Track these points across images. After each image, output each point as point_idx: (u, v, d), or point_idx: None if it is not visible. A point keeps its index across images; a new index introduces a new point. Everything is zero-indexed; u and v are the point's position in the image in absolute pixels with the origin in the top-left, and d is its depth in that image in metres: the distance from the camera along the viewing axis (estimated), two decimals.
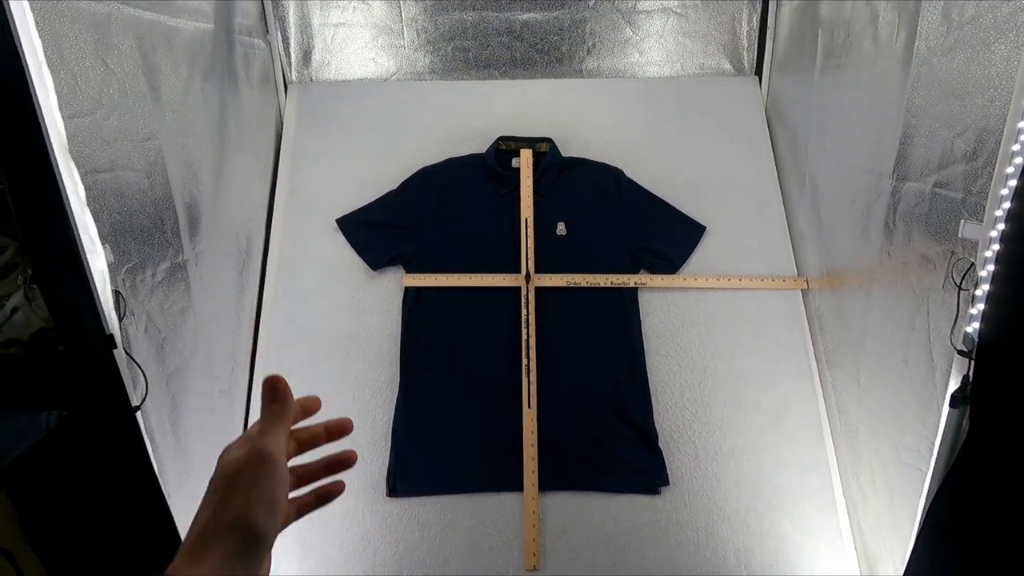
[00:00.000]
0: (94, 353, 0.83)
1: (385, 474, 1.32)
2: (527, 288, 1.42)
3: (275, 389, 0.45)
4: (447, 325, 1.42)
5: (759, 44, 1.69)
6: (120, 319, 0.89)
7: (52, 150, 0.76)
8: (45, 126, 0.76)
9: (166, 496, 0.96)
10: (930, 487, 0.95)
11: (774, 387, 1.39)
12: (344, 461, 0.48)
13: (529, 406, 1.34)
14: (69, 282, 0.80)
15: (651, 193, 1.55)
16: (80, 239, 0.81)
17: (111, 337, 0.85)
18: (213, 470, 0.40)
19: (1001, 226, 0.80)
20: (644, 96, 1.68)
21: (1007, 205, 0.79)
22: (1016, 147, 0.79)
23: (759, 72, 1.71)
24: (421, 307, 1.43)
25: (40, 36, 0.77)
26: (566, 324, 1.42)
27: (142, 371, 0.94)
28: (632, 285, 1.46)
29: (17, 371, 1.10)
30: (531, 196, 1.50)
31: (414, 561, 1.25)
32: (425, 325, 1.42)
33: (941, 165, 0.96)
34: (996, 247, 0.81)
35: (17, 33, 0.72)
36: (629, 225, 1.51)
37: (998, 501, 0.79)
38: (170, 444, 1.06)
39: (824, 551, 1.26)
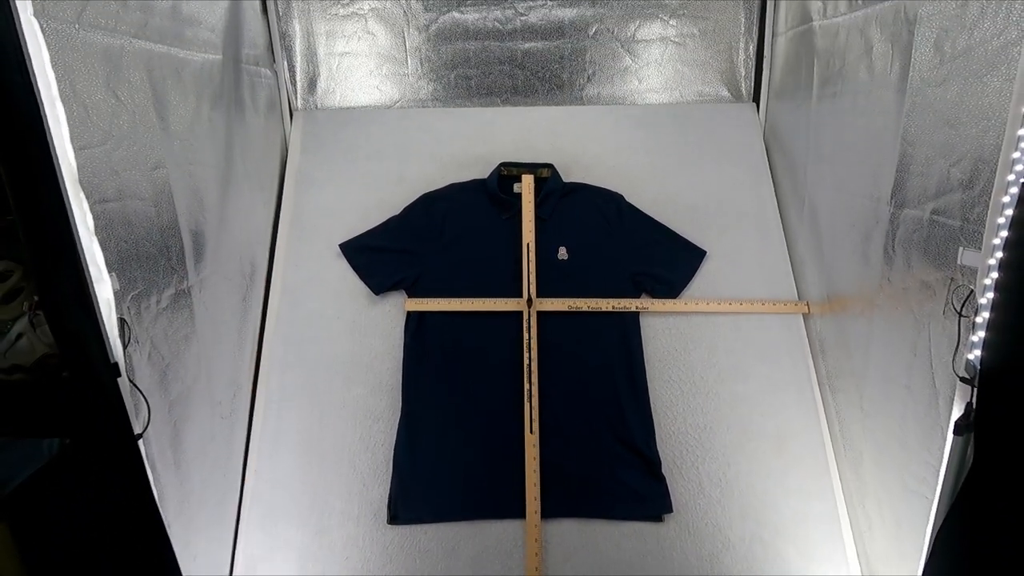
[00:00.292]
0: (98, 381, 0.84)
1: (386, 501, 1.30)
2: (529, 313, 1.42)
3: None
4: (449, 350, 1.42)
5: (756, 72, 1.72)
6: (125, 347, 0.90)
7: (63, 181, 0.78)
8: (57, 158, 0.77)
9: (166, 525, 0.95)
10: (936, 515, 0.94)
11: (777, 412, 1.39)
12: None
13: (531, 431, 1.34)
14: (75, 310, 0.81)
15: (652, 218, 1.56)
16: (87, 268, 0.82)
17: (115, 365, 0.85)
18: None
19: (999, 254, 0.81)
20: (644, 122, 1.71)
21: (1004, 234, 0.80)
22: (1011, 177, 0.80)
23: (756, 99, 1.74)
24: (423, 332, 1.43)
25: (54, 70, 0.79)
26: (568, 349, 1.42)
27: (145, 399, 0.94)
28: (634, 309, 1.46)
29: (20, 398, 1.10)
30: (533, 221, 1.51)
31: None
32: (427, 350, 1.42)
33: (938, 193, 0.97)
34: (995, 275, 0.82)
35: (33, 69, 0.74)
36: (630, 250, 1.52)
37: (1005, 530, 0.78)
38: (171, 472, 1.05)
39: None
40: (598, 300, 1.45)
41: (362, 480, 1.33)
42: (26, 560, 0.94)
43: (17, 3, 0.73)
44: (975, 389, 0.84)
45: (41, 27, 0.77)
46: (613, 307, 1.45)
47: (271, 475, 1.34)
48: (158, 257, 1.05)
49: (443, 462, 1.33)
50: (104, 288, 0.86)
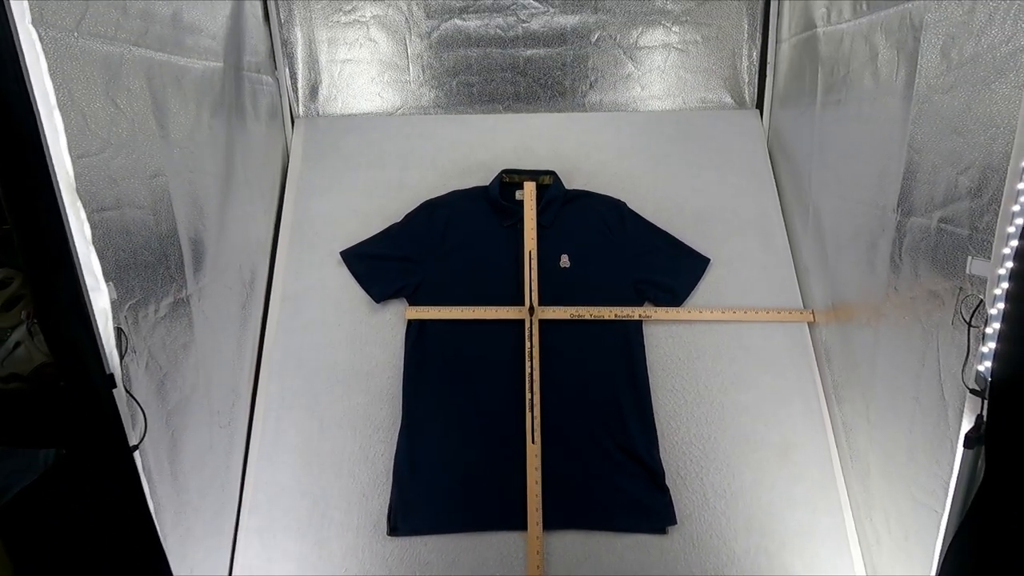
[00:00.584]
0: (94, 392, 0.83)
1: (386, 512, 1.29)
2: (531, 321, 1.41)
3: None
4: (450, 358, 1.41)
5: (759, 79, 1.71)
6: (121, 357, 0.89)
7: (59, 191, 0.77)
8: (53, 167, 0.77)
9: (161, 537, 0.94)
10: (946, 529, 0.92)
11: (782, 422, 1.37)
12: None
13: (533, 441, 1.32)
14: (71, 321, 0.80)
15: (654, 225, 1.55)
16: (83, 278, 0.81)
17: (111, 376, 0.84)
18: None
19: (1009, 264, 0.79)
20: (646, 129, 1.70)
21: (1015, 243, 0.78)
22: (1021, 185, 0.78)
23: (760, 106, 1.73)
24: (424, 340, 1.42)
25: (52, 79, 0.78)
26: (570, 357, 1.41)
27: (142, 409, 0.93)
28: (636, 318, 1.45)
29: (17, 407, 1.09)
30: (535, 228, 1.50)
31: None
32: (428, 358, 1.41)
33: (946, 201, 0.96)
34: (1005, 285, 0.80)
35: (30, 78, 0.73)
36: (633, 257, 1.51)
37: (1018, 547, 0.76)
38: (168, 482, 1.04)
39: None
40: (600, 308, 1.44)
41: (362, 490, 1.31)
42: (19, 572, 0.92)
43: (15, 11, 0.73)
44: (985, 401, 0.83)
45: (39, 35, 0.77)
46: (616, 315, 1.44)
47: (270, 485, 1.32)
48: (156, 266, 1.04)
49: (443, 472, 1.32)
50: (101, 298, 0.85)
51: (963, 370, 0.90)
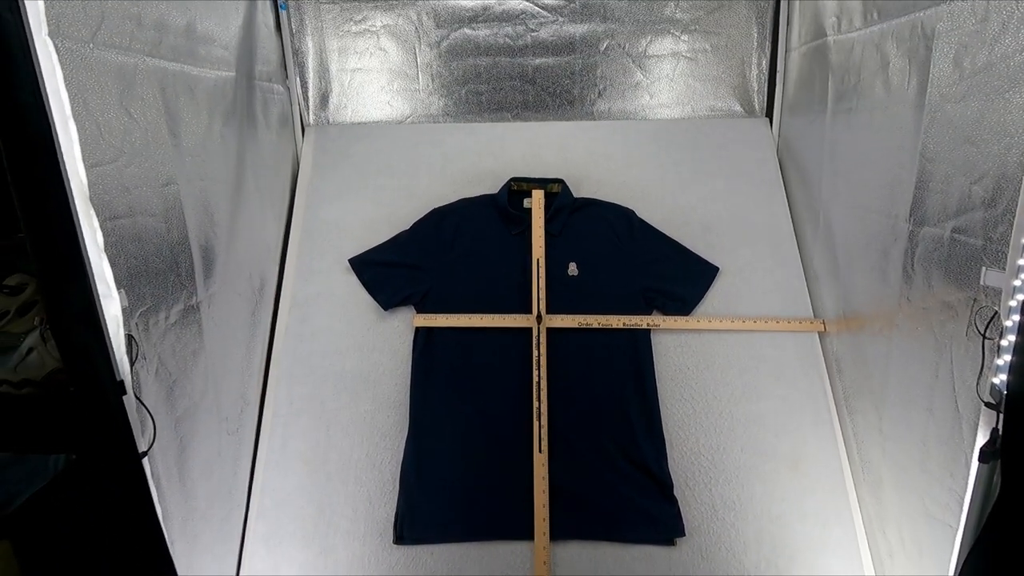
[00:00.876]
0: (104, 398, 0.83)
1: (392, 520, 1.29)
2: (538, 329, 1.41)
3: None
4: (458, 366, 1.41)
5: (769, 87, 1.71)
6: (132, 363, 0.89)
7: (72, 199, 0.78)
8: (67, 176, 0.78)
9: (169, 543, 0.94)
10: (961, 545, 0.91)
11: (793, 433, 1.35)
12: None
13: (540, 451, 1.31)
14: (82, 328, 0.80)
15: (664, 234, 1.54)
16: (95, 285, 0.82)
17: (121, 383, 0.85)
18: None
19: None
20: (655, 137, 1.70)
21: None
22: None
23: (770, 114, 1.72)
24: (432, 348, 1.42)
25: (68, 90, 0.80)
26: (578, 366, 1.40)
27: (151, 415, 0.93)
28: (645, 326, 1.44)
29: (30, 413, 1.10)
30: (543, 236, 1.50)
31: None
32: (436, 366, 1.41)
33: (959, 211, 0.95)
34: (1021, 296, 0.79)
35: (45, 89, 0.74)
36: (641, 265, 1.50)
37: None
38: (176, 488, 1.04)
39: None
40: (609, 317, 1.43)
41: (368, 498, 1.31)
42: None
43: (32, 23, 0.74)
44: (1001, 415, 0.81)
45: (56, 46, 0.78)
46: (624, 324, 1.43)
47: (277, 492, 1.32)
48: (167, 273, 1.05)
49: (450, 481, 1.31)
50: (112, 305, 0.86)
51: (978, 382, 0.88)
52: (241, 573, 1.26)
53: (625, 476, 1.31)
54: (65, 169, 0.78)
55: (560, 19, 1.69)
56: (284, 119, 1.67)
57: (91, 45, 0.87)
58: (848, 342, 1.34)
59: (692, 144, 1.68)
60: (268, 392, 1.42)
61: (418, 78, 1.73)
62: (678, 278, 1.49)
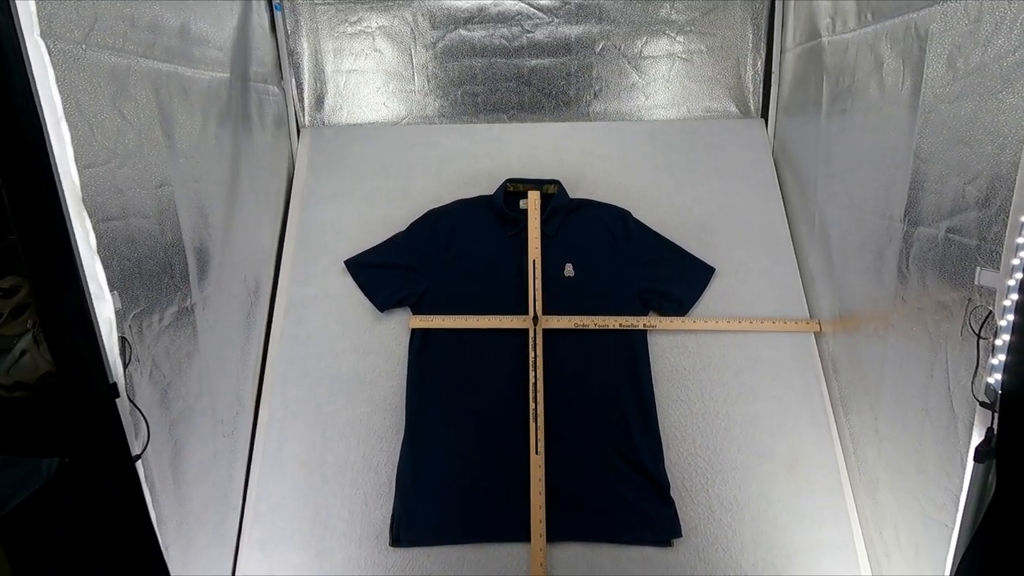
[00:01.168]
0: (97, 401, 0.83)
1: (388, 522, 1.28)
2: (535, 330, 1.41)
3: None
4: (454, 368, 1.40)
5: (764, 88, 1.71)
6: (125, 366, 0.89)
7: (65, 201, 0.78)
8: (59, 178, 0.77)
9: (163, 547, 0.94)
10: (957, 544, 0.91)
11: (789, 433, 1.35)
12: None
13: (536, 452, 1.31)
14: (75, 330, 0.80)
15: (659, 234, 1.54)
16: (88, 287, 0.81)
17: (114, 386, 0.84)
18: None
19: (1019, 275, 0.78)
20: (651, 138, 1.70)
21: None
22: None
23: (765, 115, 1.72)
24: (428, 349, 1.42)
25: (60, 91, 0.79)
26: (574, 367, 1.40)
27: (144, 418, 0.93)
28: (641, 327, 1.44)
29: (22, 416, 1.09)
30: (539, 238, 1.50)
31: None
32: (432, 367, 1.40)
33: (953, 211, 0.95)
34: (1015, 296, 0.79)
35: (37, 90, 0.74)
36: (637, 266, 1.50)
37: None
38: (170, 492, 1.04)
39: None
40: (605, 318, 1.43)
41: (364, 500, 1.31)
42: None
43: (24, 24, 0.73)
44: (996, 414, 0.82)
45: (48, 47, 0.77)
46: (620, 325, 1.43)
47: (272, 495, 1.32)
48: (161, 275, 1.04)
49: (446, 482, 1.31)
50: (105, 307, 0.85)
51: (973, 382, 0.88)
52: None
53: (622, 477, 1.30)
54: (57, 171, 0.77)
55: (556, 20, 1.69)
56: (279, 120, 1.66)
57: (84, 46, 0.86)
58: (844, 342, 1.34)
59: (688, 145, 1.68)
60: (263, 394, 1.41)
61: (414, 79, 1.73)
62: (674, 279, 1.49)
